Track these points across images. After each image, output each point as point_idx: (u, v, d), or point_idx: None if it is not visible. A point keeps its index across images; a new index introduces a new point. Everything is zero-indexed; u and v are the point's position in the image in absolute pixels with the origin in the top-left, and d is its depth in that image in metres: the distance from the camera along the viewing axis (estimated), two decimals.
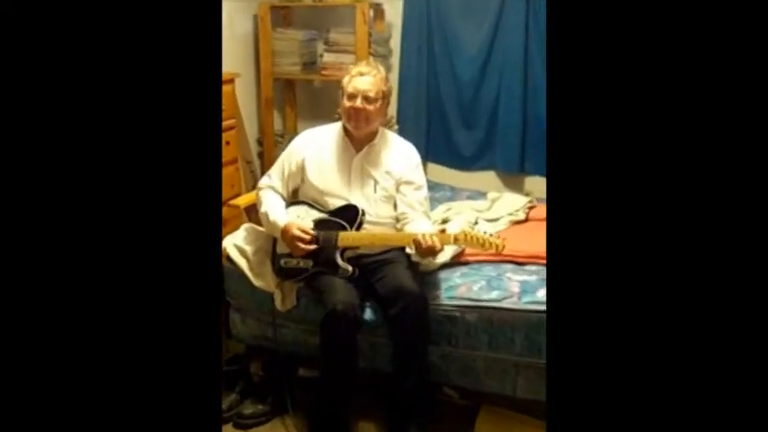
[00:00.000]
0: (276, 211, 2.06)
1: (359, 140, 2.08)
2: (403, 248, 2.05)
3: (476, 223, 2.51)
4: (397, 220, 2.08)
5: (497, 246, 1.84)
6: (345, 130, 2.09)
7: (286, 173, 2.13)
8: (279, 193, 2.13)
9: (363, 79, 2.00)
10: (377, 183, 2.06)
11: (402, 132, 3.08)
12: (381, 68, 2.08)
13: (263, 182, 2.17)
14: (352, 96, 2.00)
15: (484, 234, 1.85)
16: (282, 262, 2.05)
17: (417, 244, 1.85)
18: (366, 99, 1.99)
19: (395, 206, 2.08)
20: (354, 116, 2.01)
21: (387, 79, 2.08)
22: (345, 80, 2.05)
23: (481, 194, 2.98)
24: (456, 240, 1.88)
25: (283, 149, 2.23)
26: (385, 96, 2.06)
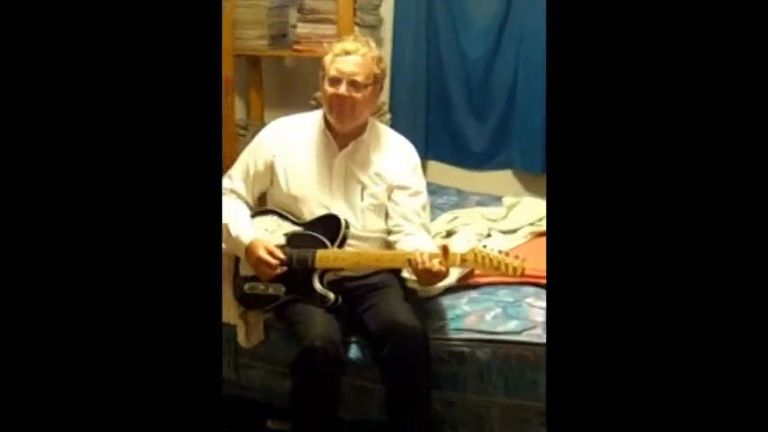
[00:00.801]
0: (238, 223, 2.01)
1: (343, 135, 2.03)
2: (397, 270, 2.03)
3: (488, 236, 2.52)
4: (389, 233, 2.04)
5: (516, 268, 1.81)
6: (326, 121, 2.05)
7: (251, 173, 2.09)
8: (242, 197, 2.10)
9: (349, 59, 1.95)
10: (364, 188, 2.03)
11: (395, 123, 3.07)
12: (373, 45, 2.04)
13: (223, 184, 2.11)
14: (335, 81, 1.95)
15: (499, 254, 1.82)
16: (247, 287, 2.03)
17: (414, 266, 1.80)
18: (353, 85, 1.93)
19: (386, 217, 2.05)
20: (338, 106, 1.96)
21: (379, 59, 2.03)
22: (327, 60, 1.99)
23: (495, 200, 3.00)
24: (463, 261, 1.86)
25: (247, 144, 2.21)
26: (377, 81, 2.01)
